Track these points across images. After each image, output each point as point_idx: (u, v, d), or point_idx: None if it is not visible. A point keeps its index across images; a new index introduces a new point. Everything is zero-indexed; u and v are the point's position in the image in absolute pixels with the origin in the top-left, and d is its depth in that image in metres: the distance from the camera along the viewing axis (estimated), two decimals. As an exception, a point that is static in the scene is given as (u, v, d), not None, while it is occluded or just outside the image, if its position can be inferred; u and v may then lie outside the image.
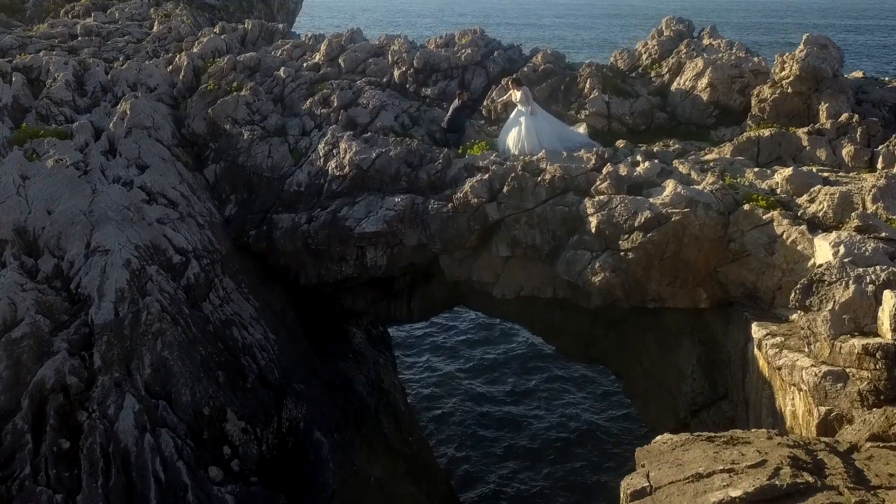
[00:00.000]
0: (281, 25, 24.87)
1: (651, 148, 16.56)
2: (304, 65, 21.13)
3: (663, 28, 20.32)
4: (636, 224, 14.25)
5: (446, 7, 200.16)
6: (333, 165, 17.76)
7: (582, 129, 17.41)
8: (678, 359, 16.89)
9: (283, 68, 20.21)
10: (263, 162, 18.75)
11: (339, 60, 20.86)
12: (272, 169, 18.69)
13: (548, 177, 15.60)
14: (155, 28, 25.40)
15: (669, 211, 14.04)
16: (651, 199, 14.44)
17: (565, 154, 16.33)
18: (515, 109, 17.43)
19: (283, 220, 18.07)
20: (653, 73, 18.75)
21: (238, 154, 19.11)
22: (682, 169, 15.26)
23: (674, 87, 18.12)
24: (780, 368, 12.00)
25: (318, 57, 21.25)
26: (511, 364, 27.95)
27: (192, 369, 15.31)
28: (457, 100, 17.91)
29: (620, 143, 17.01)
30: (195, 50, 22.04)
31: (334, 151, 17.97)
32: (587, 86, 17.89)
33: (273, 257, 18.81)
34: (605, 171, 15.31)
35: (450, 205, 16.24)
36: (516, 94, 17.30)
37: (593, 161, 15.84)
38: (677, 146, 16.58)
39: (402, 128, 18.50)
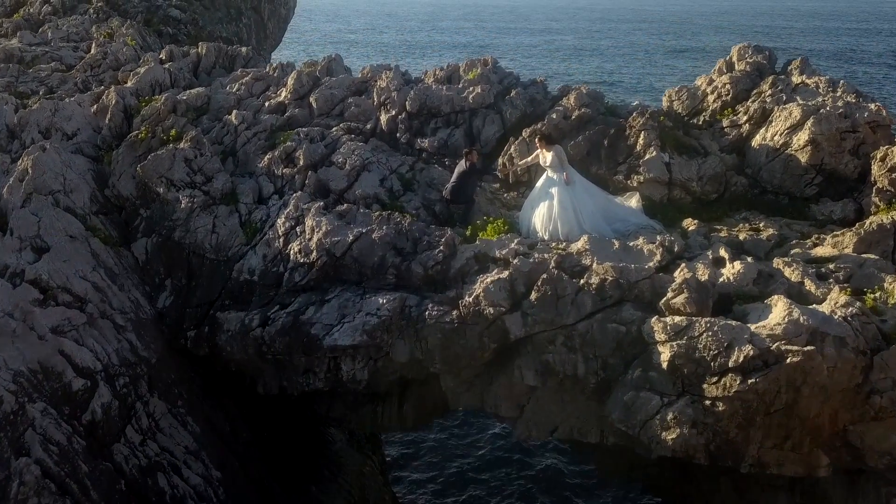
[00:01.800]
0: (244, 49, 20.24)
1: (736, 234, 11.94)
2: (267, 104, 16.47)
3: (734, 59, 15.55)
4: (731, 363, 9.68)
5: (439, 12, 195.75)
6: (296, 249, 13.15)
7: (634, 201, 12.80)
8: (769, 520, 12.26)
9: (235, 112, 15.54)
10: (206, 239, 14.14)
11: (311, 99, 16.21)
12: (217, 249, 14.08)
13: (595, 280, 10.99)
14: (92, 51, 20.73)
15: (783, 348, 9.46)
16: (752, 327, 9.84)
17: (616, 243, 11.70)
18: (544, 175, 12.81)
19: (229, 320, 13.49)
20: (725, 122, 14.07)
21: (174, 227, 14.49)
22: (790, 273, 10.64)
23: (756, 141, 13.46)
24: None
25: (283, 94, 16.59)
26: (529, 460, 23.08)
27: (86, 562, 10.73)
28: (463, 161, 13.27)
29: (690, 225, 12.39)
30: (129, 83, 17.38)
31: (298, 229, 13.35)
32: (640, 140, 13.24)
33: (220, 363, 14.20)
34: (678, 276, 10.70)
35: (455, 312, 11.70)
36: (546, 156, 12.67)
37: (658, 256, 11.24)
38: (770, 230, 11.95)
39: (389, 196, 13.87)
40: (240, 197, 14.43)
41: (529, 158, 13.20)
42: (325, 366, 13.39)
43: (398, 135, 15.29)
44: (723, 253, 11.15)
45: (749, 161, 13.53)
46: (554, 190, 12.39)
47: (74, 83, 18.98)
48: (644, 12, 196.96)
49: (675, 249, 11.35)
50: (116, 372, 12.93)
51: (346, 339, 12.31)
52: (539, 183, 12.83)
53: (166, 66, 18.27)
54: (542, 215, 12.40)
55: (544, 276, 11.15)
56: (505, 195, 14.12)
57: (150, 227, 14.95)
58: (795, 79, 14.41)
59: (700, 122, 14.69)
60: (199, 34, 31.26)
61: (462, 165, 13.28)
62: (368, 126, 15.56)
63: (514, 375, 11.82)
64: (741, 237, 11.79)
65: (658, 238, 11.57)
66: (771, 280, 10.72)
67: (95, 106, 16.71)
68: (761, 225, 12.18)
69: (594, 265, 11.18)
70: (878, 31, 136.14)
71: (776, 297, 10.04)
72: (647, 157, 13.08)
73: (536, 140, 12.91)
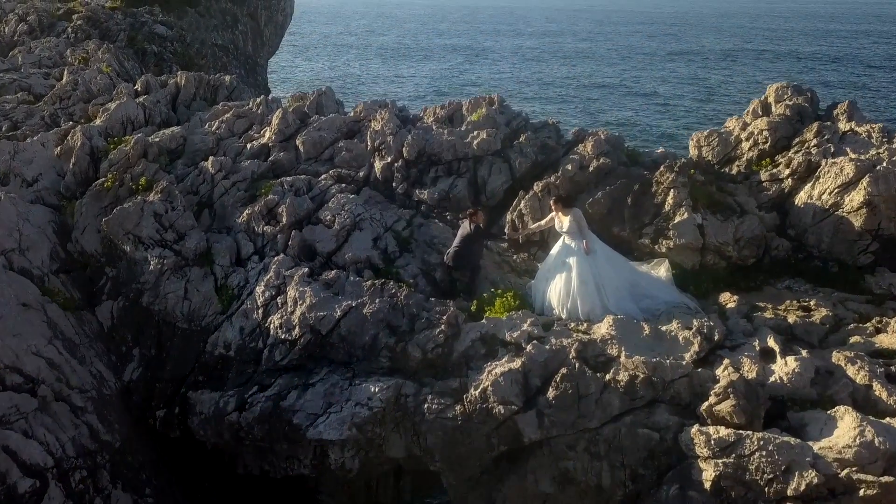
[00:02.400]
0: (227, 78, 18.62)
1: (783, 316, 10.31)
2: (249, 146, 14.87)
3: (771, 100, 13.82)
4: (790, 491, 8.09)
5: (437, 14, 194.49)
6: (277, 323, 11.56)
7: (663, 270, 11.18)
8: None
9: (212, 158, 13.91)
10: (177, 306, 12.55)
11: (297, 142, 14.60)
12: (189, 317, 12.50)
13: (623, 376, 9.39)
14: (63, 80, 19.11)
15: (855, 477, 7.85)
16: (815, 447, 8.23)
17: (646, 328, 10.08)
18: (560, 241, 11.19)
19: (202, 401, 11.92)
20: (764, 175, 12.41)
21: (142, 290, 12.90)
22: (854, 372, 9.04)
23: (800, 199, 11.80)
24: None
25: (268, 134, 14.97)
26: None
27: None
28: (467, 222, 11.65)
29: (728, 301, 10.79)
30: (98, 121, 15.78)
31: (279, 300, 11.76)
32: (669, 199, 11.62)
33: (195, 443, 12.61)
34: (722, 375, 9.09)
35: (458, 407, 10.11)
36: (562, 220, 11.05)
37: (696, 346, 9.65)
38: (823, 311, 10.32)
39: (383, 258, 12.26)
40: (215, 257, 12.83)
41: (543, 222, 11.57)
42: (310, 453, 11.81)
43: (394, 184, 13.67)
44: (772, 343, 9.54)
45: (792, 221, 11.90)
46: (572, 260, 10.77)
47: (41, 117, 17.38)
48: (643, 14, 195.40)
49: (716, 338, 9.74)
50: (72, 465, 11.33)
51: (333, 433, 10.73)
52: (554, 250, 11.21)
53: (141, 99, 16.64)
54: (558, 290, 10.78)
55: (564, 370, 9.55)
56: (514, 257, 12.50)
57: (116, 288, 13.37)
58: (843, 125, 12.76)
59: (733, 172, 13.05)
60: (186, 52, 29.72)
61: (466, 227, 11.65)
62: (361, 173, 13.94)
63: (526, 479, 10.22)
64: (790, 320, 10.18)
65: (695, 323, 9.95)
66: (831, 379, 9.12)
67: (59, 147, 15.09)
68: (812, 303, 10.56)
69: (622, 357, 9.58)
70: (879, 33, 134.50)
71: (842, 408, 8.44)
72: (678, 219, 11.45)
73: (551, 202, 11.29)
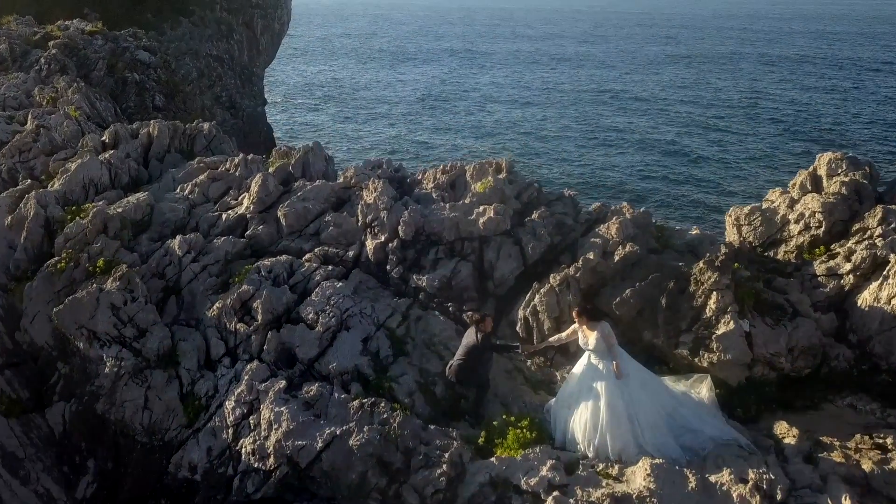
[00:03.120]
0: (206, 126, 16.82)
1: (855, 459, 8.55)
2: (224, 216, 13.10)
3: (821, 172, 11.94)
4: None
5: (436, 16, 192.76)
6: (249, 448, 9.81)
7: (705, 389, 9.43)
8: None
9: (179, 238, 12.15)
10: (136, 416, 10.82)
11: (279, 214, 12.82)
12: (150, 430, 10.76)
13: (666, 549, 7.63)
14: (28, 126, 17.33)
15: None
16: None
17: (692, 479, 8.31)
18: (585, 359, 9.42)
19: (163, 535, 10.13)
20: (819, 268, 10.62)
21: (97, 395, 11.16)
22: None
23: (864, 300, 10.01)
24: None
25: (245, 203, 13.21)
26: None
27: None
28: (472, 329, 9.88)
29: (786, 434, 9.02)
30: (57, 184, 14.01)
31: (251, 420, 10.01)
32: (711, 303, 9.85)
33: (157, 572, 10.84)
34: (791, 557, 7.34)
35: (465, 570, 8.32)
36: (588, 335, 9.29)
37: (754, 507, 7.88)
38: (903, 452, 8.57)
39: (374, 366, 10.49)
40: (181, 358, 11.08)
41: (564, 335, 9.78)
42: None
43: (388, 267, 11.90)
44: (846, 499, 7.79)
45: (854, 325, 10.15)
46: (600, 386, 9.01)
47: (-2, 172, 15.61)
48: (642, 16, 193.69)
49: (778, 496, 7.99)
50: None
51: (315, 592, 8.97)
52: (578, 369, 9.44)
53: (107, 155, 14.87)
54: (584, 422, 9.01)
55: (593, 539, 7.79)
56: (528, 363, 10.73)
57: (69, 388, 11.63)
58: (909, 209, 11.03)
59: (780, 257, 11.27)
60: (170, 79, 27.91)
61: (471, 336, 9.86)
62: (350, 253, 12.17)
63: None
64: (864, 466, 8.42)
65: (751, 474, 8.20)
66: (925, 560, 7.38)
67: (11, 217, 13.34)
68: (888, 441, 8.81)
69: (664, 521, 7.83)
70: (882, 34, 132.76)
71: None
72: (722, 329, 9.68)
73: (574, 313, 9.52)
